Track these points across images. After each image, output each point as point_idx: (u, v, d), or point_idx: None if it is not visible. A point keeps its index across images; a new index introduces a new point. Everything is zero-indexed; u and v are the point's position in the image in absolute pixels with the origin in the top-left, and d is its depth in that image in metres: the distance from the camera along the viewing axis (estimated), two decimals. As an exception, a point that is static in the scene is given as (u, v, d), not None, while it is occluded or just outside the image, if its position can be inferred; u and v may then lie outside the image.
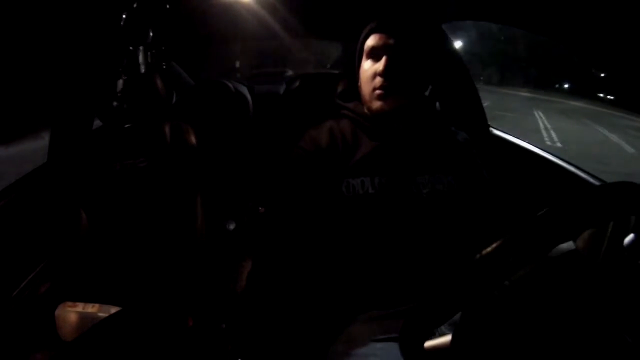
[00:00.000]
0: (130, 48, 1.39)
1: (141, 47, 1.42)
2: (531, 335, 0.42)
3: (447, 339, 0.43)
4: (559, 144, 6.86)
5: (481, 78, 20.20)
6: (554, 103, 13.57)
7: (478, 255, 0.40)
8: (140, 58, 1.40)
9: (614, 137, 7.91)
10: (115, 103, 1.11)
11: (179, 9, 1.46)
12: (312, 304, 0.85)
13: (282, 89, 1.46)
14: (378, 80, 0.82)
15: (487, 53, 19.83)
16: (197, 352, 0.97)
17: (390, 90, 0.82)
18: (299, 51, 1.63)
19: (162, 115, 1.19)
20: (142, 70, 1.40)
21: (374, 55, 0.84)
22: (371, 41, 0.84)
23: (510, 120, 8.98)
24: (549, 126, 8.65)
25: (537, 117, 10.06)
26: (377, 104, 0.84)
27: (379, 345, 0.72)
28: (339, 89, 0.97)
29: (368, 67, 0.84)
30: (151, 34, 1.47)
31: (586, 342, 0.42)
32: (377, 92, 0.82)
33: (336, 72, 1.70)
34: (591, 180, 1.04)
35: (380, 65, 0.81)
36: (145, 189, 1.13)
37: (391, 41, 0.82)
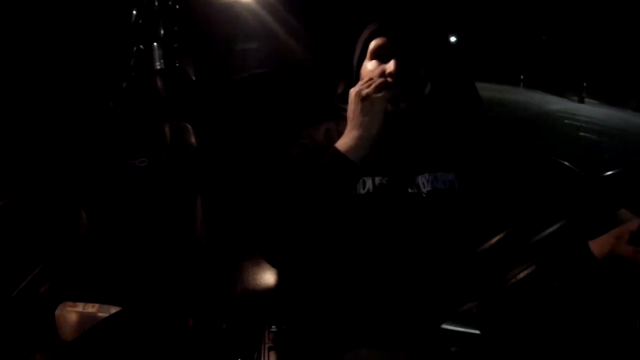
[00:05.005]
0: (141, 46, 1.39)
1: (155, 45, 1.42)
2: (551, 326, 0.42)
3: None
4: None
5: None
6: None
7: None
8: (155, 55, 1.40)
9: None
10: (114, 103, 1.11)
11: (182, 8, 1.46)
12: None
13: (282, 89, 1.46)
14: (388, 80, 0.81)
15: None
16: (197, 352, 0.97)
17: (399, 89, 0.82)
18: (299, 51, 1.63)
19: (162, 115, 1.19)
20: (158, 67, 1.39)
21: (380, 56, 0.83)
22: (376, 42, 0.84)
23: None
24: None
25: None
26: None
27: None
28: (339, 90, 0.97)
29: (373, 67, 0.84)
30: (162, 32, 1.47)
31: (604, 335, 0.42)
32: None
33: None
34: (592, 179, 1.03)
35: (390, 66, 0.80)
36: (145, 189, 1.13)
37: (398, 42, 0.82)
